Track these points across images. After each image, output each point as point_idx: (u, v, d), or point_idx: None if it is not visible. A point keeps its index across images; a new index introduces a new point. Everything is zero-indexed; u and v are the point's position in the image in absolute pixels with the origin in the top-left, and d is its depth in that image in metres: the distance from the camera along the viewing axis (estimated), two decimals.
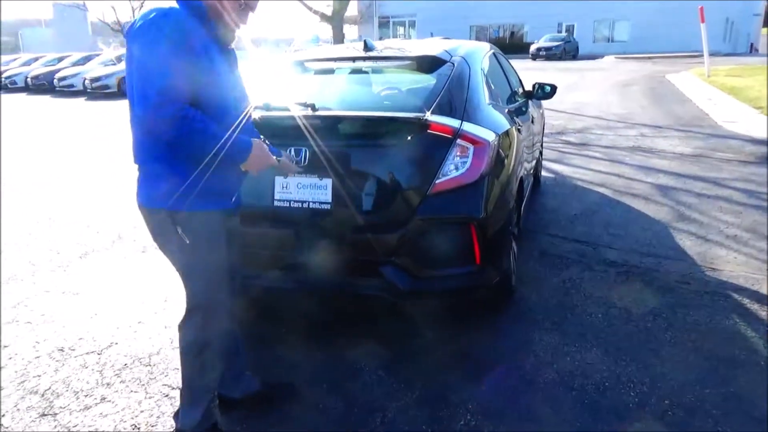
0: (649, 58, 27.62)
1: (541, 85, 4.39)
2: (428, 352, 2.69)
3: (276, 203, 2.61)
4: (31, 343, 2.85)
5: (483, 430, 2.14)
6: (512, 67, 4.52)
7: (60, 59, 23.95)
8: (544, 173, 5.83)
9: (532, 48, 30.77)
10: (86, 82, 18.87)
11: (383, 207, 2.53)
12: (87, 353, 2.74)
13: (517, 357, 2.61)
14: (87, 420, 2.25)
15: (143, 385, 2.47)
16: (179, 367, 2.05)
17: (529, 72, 14.97)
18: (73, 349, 2.78)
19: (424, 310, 3.06)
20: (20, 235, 4.51)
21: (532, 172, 4.28)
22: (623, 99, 12.09)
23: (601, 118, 9.60)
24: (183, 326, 1.98)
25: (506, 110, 3.36)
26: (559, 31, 35.94)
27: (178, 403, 2.16)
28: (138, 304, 3.24)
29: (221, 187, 1.87)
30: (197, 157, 1.71)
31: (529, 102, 4.36)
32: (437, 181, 2.48)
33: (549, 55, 29.64)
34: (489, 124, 2.78)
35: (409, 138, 2.52)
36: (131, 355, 2.71)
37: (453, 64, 3.01)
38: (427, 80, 3.06)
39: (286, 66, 3.44)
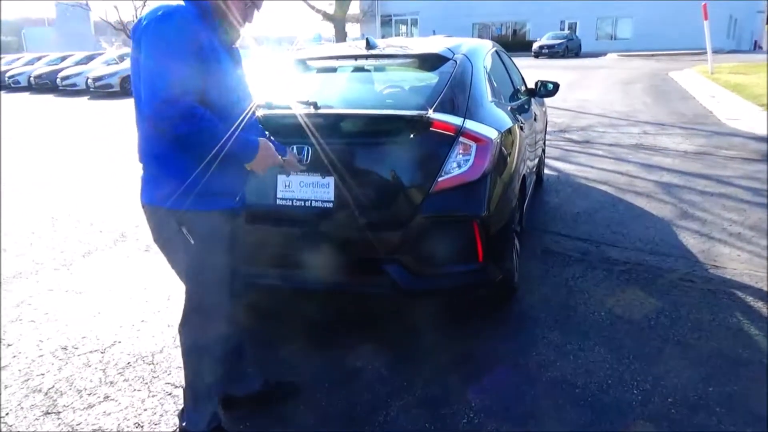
0: (652, 55, 27.54)
1: (544, 83, 4.38)
2: (430, 350, 2.68)
3: (279, 202, 2.61)
4: (34, 341, 2.86)
5: (485, 429, 2.14)
6: (515, 64, 4.51)
7: (63, 58, 24.00)
8: (546, 171, 5.82)
9: (535, 46, 30.71)
10: (89, 81, 18.89)
11: (386, 205, 2.52)
12: (90, 352, 2.75)
13: (519, 355, 2.61)
14: (90, 418, 2.25)
15: (146, 383, 2.47)
16: (182, 365, 2.05)
17: (531, 70, 14.93)
18: (77, 348, 2.78)
19: (426, 309, 3.06)
20: (24, 234, 4.52)
21: (534, 169, 4.27)
22: (626, 96, 12.06)
23: (603, 116, 9.57)
24: (182, 327, 1.97)
25: (509, 108, 3.35)
26: (562, 29, 35.85)
27: (181, 402, 2.16)
28: (141, 303, 3.24)
29: (227, 186, 1.87)
30: (204, 156, 1.71)
31: (532, 100, 4.35)
32: (440, 179, 2.48)
33: (551, 52, 29.57)
34: (492, 122, 2.78)
35: (411, 136, 2.51)
36: (134, 353, 2.72)
37: (455, 61, 3.01)
38: (430, 78, 3.06)
39: (288, 64, 3.44)
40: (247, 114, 1.85)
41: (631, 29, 36.30)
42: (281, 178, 2.59)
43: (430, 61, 3.09)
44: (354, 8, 32.86)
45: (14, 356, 2.73)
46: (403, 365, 2.56)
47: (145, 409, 2.30)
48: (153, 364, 2.62)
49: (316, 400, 2.33)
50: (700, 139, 7.39)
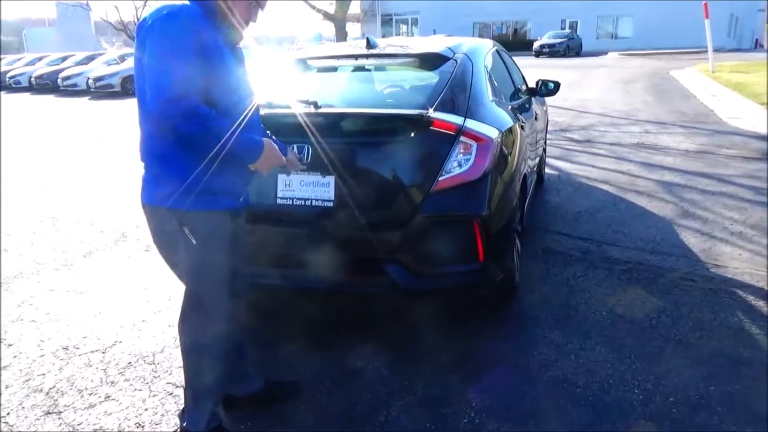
0: (653, 54, 27.51)
1: (545, 82, 4.38)
2: (431, 350, 2.68)
3: (279, 201, 2.61)
4: (35, 341, 2.86)
5: (486, 428, 2.14)
6: (515, 64, 4.50)
7: (63, 59, 24.02)
8: (547, 170, 5.81)
9: (536, 45, 30.68)
10: (90, 81, 18.90)
11: (386, 205, 2.52)
12: (91, 352, 2.75)
13: (520, 354, 2.60)
14: (91, 418, 2.25)
15: (147, 383, 2.47)
16: (182, 365, 2.05)
17: (532, 69, 14.92)
18: (78, 348, 2.79)
19: (427, 308, 3.06)
20: (25, 234, 4.53)
21: (535, 169, 4.27)
22: (627, 96, 12.04)
23: (604, 115, 9.56)
24: (182, 326, 1.97)
25: (509, 107, 3.35)
26: (563, 28, 35.83)
27: (182, 402, 2.16)
28: (142, 303, 3.24)
29: (230, 186, 1.87)
30: (208, 156, 1.71)
31: (533, 99, 4.35)
32: (440, 179, 2.48)
33: (552, 51, 29.54)
34: (492, 121, 2.77)
35: (412, 135, 2.51)
36: (135, 353, 2.72)
37: (456, 61, 3.00)
38: (430, 77, 3.05)
39: (288, 64, 3.44)
40: (248, 113, 1.85)
41: (632, 28, 36.25)
42: (281, 177, 2.59)
43: (430, 61, 3.09)
44: (354, 8, 32.85)
45: (15, 356, 2.73)
46: (403, 365, 2.56)
47: (146, 409, 2.30)
48: (154, 363, 2.62)
49: (316, 400, 2.33)
50: (701, 138, 7.38)
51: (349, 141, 2.59)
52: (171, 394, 2.39)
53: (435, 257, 2.55)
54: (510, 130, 2.95)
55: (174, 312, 3.09)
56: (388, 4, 41.88)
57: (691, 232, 4.04)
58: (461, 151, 2.51)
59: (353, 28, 38.68)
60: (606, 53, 30.20)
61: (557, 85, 4.41)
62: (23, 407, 2.33)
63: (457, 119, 2.59)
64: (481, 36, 30.07)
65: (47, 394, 2.42)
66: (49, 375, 2.56)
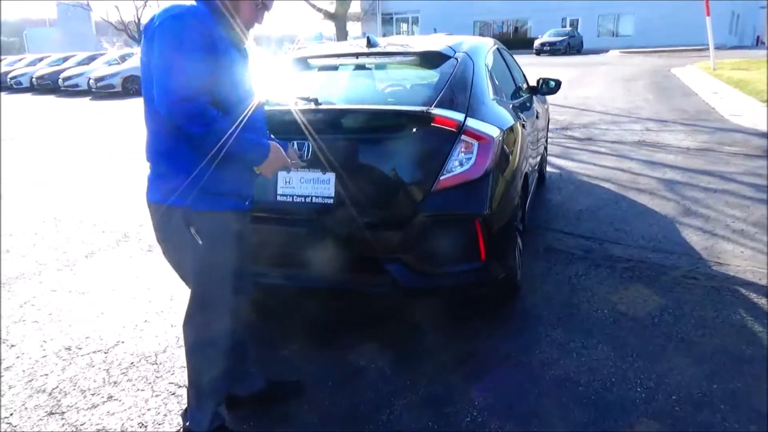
0: (654, 52, 27.46)
1: (546, 81, 4.37)
2: (433, 349, 2.68)
3: (279, 198, 2.60)
4: (38, 342, 2.86)
5: (489, 427, 2.14)
6: (516, 62, 4.50)
7: (64, 59, 24.04)
8: (549, 168, 5.81)
9: (536, 43, 30.62)
10: (91, 81, 18.91)
11: (387, 203, 2.52)
12: (94, 352, 2.75)
13: (522, 353, 2.60)
14: (94, 418, 2.26)
15: (150, 383, 2.48)
16: (185, 365, 2.06)
17: (533, 67, 14.91)
18: (80, 348, 2.79)
19: (429, 307, 3.05)
20: (27, 235, 4.53)
21: (537, 167, 4.26)
22: (628, 93, 12.02)
23: (606, 113, 9.55)
24: (186, 324, 1.98)
25: (510, 106, 3.34)
26: (563, 26, 35.77)
27: (185, 402, 2.16)
28: (144, 303, 3.25)
29: (237, 187, 1.89)
30: (214, 156, 1.72)
31: (534, 97, 4.35)
32: (441, 178, 2.47)
33: (553, 50, 29.49)
34: (493, 120, 2.77)
35: (412, 131, 2.51)
36: (138, 353, 2.72)
37: (457, 59, 3.00)
38: (431, 76, 3.05)
39: (289, 63, 3.44)
40: (250, 112, 1.85)
41: (633, 26, 36.18)
42: (281, 174, 2.59)
43: (431, 60, 3.09)
44: (355, 7, 32.86)
45: (18, 357, 2.73)
46: (405, 364, 2.56)
47: (149, 409, 2.30)
48: (156, 364, 2.62)
49: (319, 400, 2.33)
50: (703, 136, 7.36)
51: (349, 138, 2.59)
52: (173, 394, 2.39)
53: (436, 256, 2.55)
54: (511, 129, 2.95)
55: (176, 312, 3.09)
56: (389, 3, 41.86)
57: (693, 230, 4.04)
58: (462, 150, 2.51)
59: (354, 27, 38.71)
60: (607, 51, 30.16)
61: (558, 84, 4.40)
62: (26, 408, 2.34)
63: (458, 116, 2.58)
64: (481, 34, 30.05)
65: (50, 394, 2.42)
66: (52, 375, 2.56)
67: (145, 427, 2.20)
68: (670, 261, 3.53)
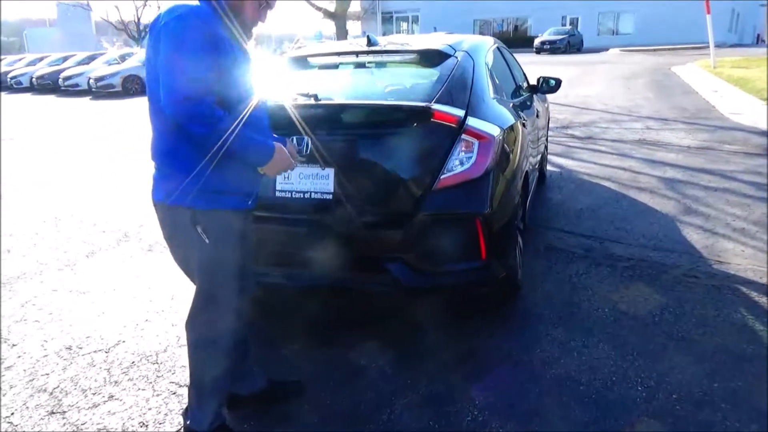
0: (655, 50, 27.42)
1: (546, 79, 4.37)
2: (434, 348, 2.68)
3: (278, 193, 2.60)
4: (39, 341, 2.87)
5: (490, 426, 2.14)
6: (516, 61, 4.50)
7: (64, 59, 24.04)
8: (549, 167, 5.81)
9: (536, 42, 30.59)
10: (91, 81, 18.91)
11: (387, 202, 2.52)
12: (94, 351, 2.75)
13: (523, 352, 2.60)
14: (95, 418, 2.26)
15: (151, 382, 2.48)
16: (186, 364, 2.06)
17: (533, 66, 14.90)
18: (81, 348, 2.79)
19: (429, 307, 3.05)
20: (27, 235, 4.53)
21: (537, 166, 4.26)
22: (628, 92, 12.01)
23: (606, 112, 9.55)
24: (190, 323, 1.98)
25: (511, 104, 3.34)
26: (563, 25, 35.73)
27: (186, 401, 2.17)
28: (145, 303, 3.25)
29: (242, 186, 1.89)
30: (221, 156, 1.72)
31: (534, 96, 4.34)
32: (442, 177, 2.47)
33: (553, 48, 29.45)
34: (494, 119, 2.77)
35: (413, 126, 2.50)
36: (138, 353, 2.72)
37: (457, 58, 3.00)
38: (431, 75, 3.04)
39: (289, 62, 3.43)
40: (251, 110, 1.85)
41: (633, 24, 36.14)
42: None
43: (431, 58, 3.08)
44: (355, 6, 32.84)
45: (19, 356, 2.73)
46: (406, 363, 2.56)
47: (150, 409, 2.30)
48: (157, 363, 2.63)
49: (319, 399, 2.33)
50: (703, 134, 7.36)
51: (349, 133, 2.59)
52: (174, 393, 2.39)
53: (437, 255, 2.54)
54: (511, 128, 2.95)
55: (177, 311, 3.10)
56: (389, 1, 41.84)
57: (694, 229, 4.03)
58: (463, 149, 2.51)
59: (354, 26, 38.68)
60: (607, 49, 30.11)
61: (558, 82, 4.40)
62: (27, 407, 2.34)
63: (458, 111, 2.58)
64: (481, 33, 30.00)
65: (51, 393, 2.42)
66: (53, 375, 2.56)
67: (146, 426, 2.20)
68: (671, 259, 3.53)
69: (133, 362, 2.64)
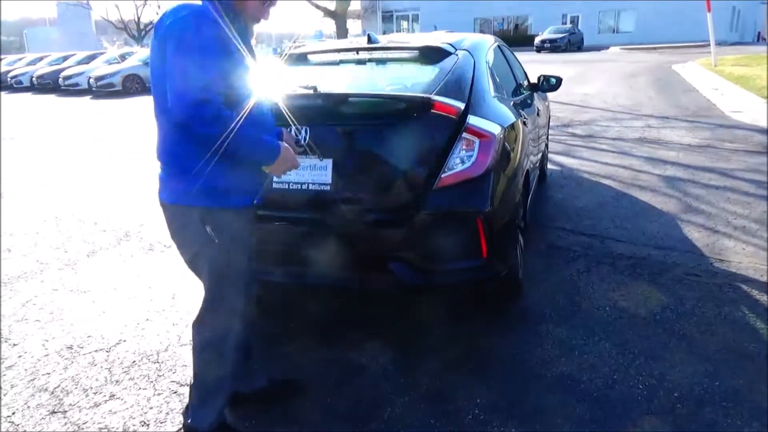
0: (655, 48, 27.40)
1: (547, 78, 4.36)
2: (435, 346, 2.68)
3: (275, 185, 2.58)
4: (40, 341, 2.87)
5: (491, 425, 2.14)
6: (517, 59, 4.49)
7: (65, 58, 24.04)
8: (550, 166, 5.80)
9: (537, 40, 30.57)
10: (91, 80, 18.91)
11: (386, 197, 2.51)
12: (95, 351, 2.75)
13: (524, 351, 2.60)
14: (96, 417, 2.26)
15: (152, 382, 2.48)
16: (187, 363, 2.06)
17: (534, 64, 14.88)
18: (82, 347, 2.79)
19: (430, 305, 3.05)
20: (28, 234, 4.54)
21: (538, 164, 4.26)
22: (629, 90, 12.00)
23: (607, 110, 9.54)
24: (198, 324, 1.98)
25: (511, 103, 3.34)
26: (564, 23, 35.71)
27: (186, 400, 2.16)
28: (146, 302, 3.25)
29: (249, 184, 1.90)
30: (225, 156, 1.72)
31: (535, 94, 4.34)
32: (443, 175, 2.47)
33: (554, 47, 29.43)
34: (494, 117, 2.77)
35: (413, 116, 2.49)
36: (139, 352, 2.72)
37: (457, 56, 2.99)
38: (431, 73, 3.04)
39: (289, 60, 3.43)
40: (254, 108, 1.85)
41: (634, 22, 36.10)
42: None
43: (431, 57, 3.08)
44: (355, 4, 32.82)
45: (20, 356, 2.73)
46: (407, 361, 2.56)
47: (151, 408, 2.30)
48: (158, 362, 2.63)
49: (321, 397, 2.33)
50: (704, 132, 7.35)
51: (348, 125, 2.58)
52: (175, 392, 2.39)
53: (438, 254, 2.54)
54: (512, 126, 2.94)
55: (178, 311, 3.10)
56: (389, 0, 41.80)
57: (695, 227, 4.03)
58: (464, 147, 2.50)
59: (354, 25, 38.67)
60: (608, 48, 30.08)
61: (559, 81, 4.39)
62: (28, 406, 2.34)
63: (458, 103, 2.57)
64: (482, 32, 29.96)
65: (52, 393, 2.43)
66: (54, 374, 2.57)
67: (147, 425, 2.20)
68: (672, 258, 3.52)
69: (134, 361, 2.64)
